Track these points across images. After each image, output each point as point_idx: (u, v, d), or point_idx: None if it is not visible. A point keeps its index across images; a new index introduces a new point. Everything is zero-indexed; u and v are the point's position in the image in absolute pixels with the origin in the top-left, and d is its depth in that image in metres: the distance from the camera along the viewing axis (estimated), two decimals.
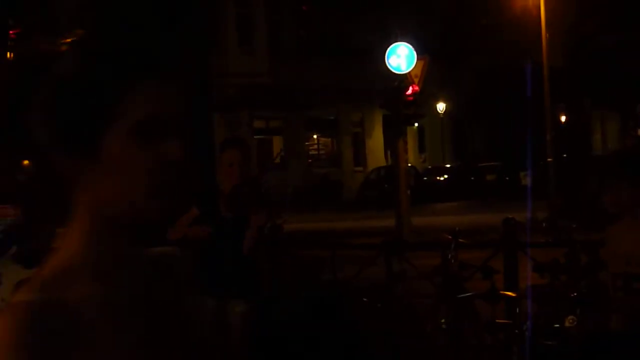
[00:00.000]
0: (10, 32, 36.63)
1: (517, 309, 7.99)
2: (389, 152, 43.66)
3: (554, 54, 35.99)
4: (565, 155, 38.28)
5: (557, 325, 7.07)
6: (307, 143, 50.58)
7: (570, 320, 7.02)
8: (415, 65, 24.57)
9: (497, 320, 8.61)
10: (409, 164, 35.72)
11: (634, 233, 6.52)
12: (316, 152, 51.25)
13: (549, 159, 33.45)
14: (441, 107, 51.85)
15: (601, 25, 39.85)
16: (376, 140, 49.94)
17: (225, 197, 7.85)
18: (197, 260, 7.86)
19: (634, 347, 6.35)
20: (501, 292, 9.10)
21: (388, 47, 24.60)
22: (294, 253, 12.29)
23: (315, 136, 51.24)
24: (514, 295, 8.64)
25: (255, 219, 7.90)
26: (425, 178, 46.45)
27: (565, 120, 44.08)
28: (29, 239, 6.08)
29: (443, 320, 9.16)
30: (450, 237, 10.47)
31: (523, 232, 11.20)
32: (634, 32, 41.79)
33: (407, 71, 24.38)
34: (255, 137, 46.40)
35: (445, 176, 49.18)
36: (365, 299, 10.46)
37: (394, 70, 24.36)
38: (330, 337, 8.85)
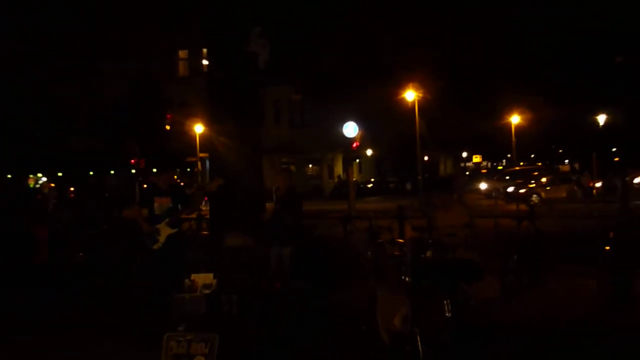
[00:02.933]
0: (168, 116, 36.20)
1: (404, 248, 7.97)
2: (344, 173, 43.48)
3: (422, 129, 35.98)
4: (426, 175, 38.43)
5: (423, 255, 7.09)
6: (306, 169, 50.43)
7: (429, 253, 7.05)
8: (357, 133, 24.51)
9: (395, 253, 8.61)
10: (354, 179, 35.58)
11: (446, 215, 6.62)
12: (311, 174, 51.04)
13: (419, 177, 33.41)
14: (370, 152, 51.78)
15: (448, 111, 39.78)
16: (339, 168, 49.72)
17: (281, 194, 8.03)
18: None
19: (459, 265, 6.38)
20: (397, 239, 9.12)
21: (344, 123, 24.58)
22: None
23: (310, 166, 51.02)
24: (402, 241, 8.64)
25: (296, 205, 8.07)
26: (361, 185, 46.27)
27: (427, 159, 44.35)
28: (175, 214, 6.25)
29: (369, 253, 9.16)
30: (373, 213, 10.52)
31: (406, 211, 11.16)
32: (460, 118, 41.60)
33: (353, 136, 24.31)
34: (281, 165, 46.47)
35: (371, 185, 49.17)
36: (333, 244, 10.46)
37: (347, 135, 24.30)
38: (318, 260, 8.84)
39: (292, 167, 49.19)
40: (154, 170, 27.02)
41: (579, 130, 43.79)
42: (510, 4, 39.66)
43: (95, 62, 37.49)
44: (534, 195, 30.27)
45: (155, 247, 7.40)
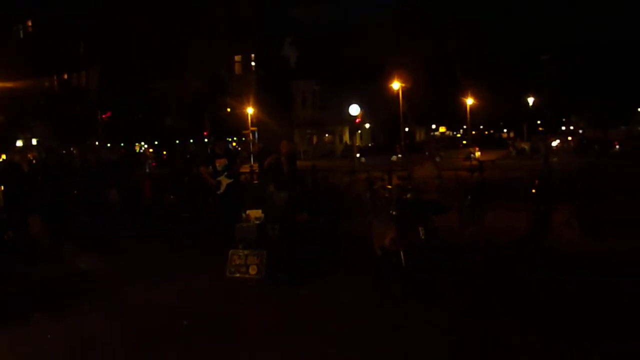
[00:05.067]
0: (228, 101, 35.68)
1: (392, 191, 7.89)
2: (351, 140, 43.14)
3: (404, 108, 35.32)
4: (407, 141, 37.89)
5: (404, 197, 6.98)
6: (324, 137, 49.75)
7: (409, 195, 6.97)
8: (359, 112, 24.16)
9: (385, 195, 8.53)
10: (357, 144, 35.20)
11: (419, 169, 6.48)
12: (327, 140, 50.30)
13: (402, 142, 33.02)
14: (367, 125, 50.90)
15: (423, 94, 38.77)
16: (346, 136, 49.14)
17: (284, 156, 7.83)
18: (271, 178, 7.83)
19: (430, 203, 6.31)
20: (386, 186, 9.01)
21: (350, 105, 24.19)
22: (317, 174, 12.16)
23: (327, 135, 50.34)
24: (390, 187, 8.56)
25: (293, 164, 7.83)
26: (362, 147, 45.65)
27: (407, 130, 43.58)
28: (232, 169, 6.14)
29: (367, 195, 9.00)
30: (370, 167, 10.39)
31: (394, 166, 10.99)
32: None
33: (356, 114, 23.97)
34: (306, 135, 46.06)
35: (369, 146, 48.53)
36: (342, 189, 10.35)
37: (352, 113, 23.96)
38: (331, 200, 8.76)
39: (314, 137, 48.81)
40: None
41: (515, 107, 42.93)
42: (468, 17, 38.43)
43: (180, 64, 37.44)
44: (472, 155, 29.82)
45: (219, 192, 7.51)
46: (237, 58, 43.45)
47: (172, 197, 11.13)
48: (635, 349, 3.58)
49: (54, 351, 4.08)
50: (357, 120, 25.05)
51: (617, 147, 30.48)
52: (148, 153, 34.11)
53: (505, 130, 59.20)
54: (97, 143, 32.26)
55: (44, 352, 4.07)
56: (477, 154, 27.81)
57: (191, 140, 37.24)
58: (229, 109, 38.19)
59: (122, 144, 34.49)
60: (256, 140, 37.66)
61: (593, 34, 33.99)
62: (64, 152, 21.94)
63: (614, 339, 3.82)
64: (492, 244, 6.95)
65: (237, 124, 37.61)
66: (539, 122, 42.72)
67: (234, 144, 40.42)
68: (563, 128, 52.36)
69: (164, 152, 31.80)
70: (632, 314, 4.25)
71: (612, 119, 37.88)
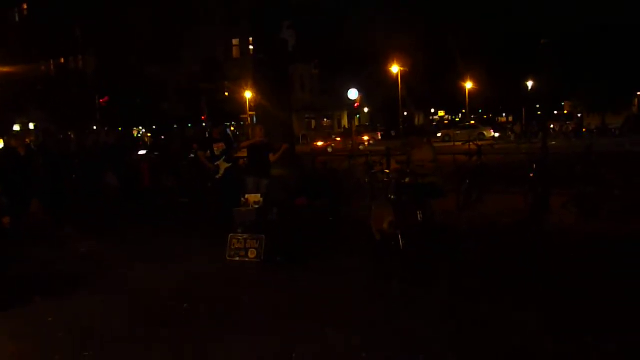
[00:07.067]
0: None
1: (390, 176, 7.86)
2: (349, 124, 42.89)
3: (403, 92, 35.09)
4: (405, 125, 37.70)
5: (403, 181, 6.98)
6: (322, 122, 49.53)
7: (407, 179, 6.94)
8: (357, 96, 23.93)
9: (384, 179, 8.49)
10: (355, 126, 34.97)
11: (416, 152, 6.47)
12: (326, 125, 50.17)
13: (400, 127, 32.82)
14: (366, 109, 50.53)
15: (422, 78, 38.42)
16: (345, 121, 48.96)
17: (257, 143, 7.50)
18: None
19: (428, 187, 6.29)
20: (385, 170, 8.97)
21: (348, 90, 23.97)
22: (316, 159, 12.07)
23: (325, 119, 50.16)
24: (389, 171, 8.52)
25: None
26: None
27: (406, 114, 43.38)
28: (230, 153, 6.13)
29: (366, 180, 9.04)
30: (369, 152, 10.36)
31: (392, 150, 10.92)
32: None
33: (355, 98, 23.76)
34: (305, 120, 45.83)
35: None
36: (341, 174, 10.32)
37: (350, 98, 23.75)
38: (331, 185, 8.73)
39: (313, 122, 48.57)
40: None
41: (514, 92, 42.73)
42: (467, 1, 38.02)
43: (178, 50, 37.08)
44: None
45: (217, 177, 7.51)
46: (235, 42, 43.09)
47: (170, 181, 11.11)
48: (634, 341, 3.55)
49: (55, 334, 4.09)
50: (356, 105, 24.84)
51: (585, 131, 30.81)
52: (146, 138, 34.00)
53: (504, 115, 59.03)
54: (94, 128, 32.10)
55: (45, 336, 4.09)
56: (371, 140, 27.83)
57: (189, 125, 37.10)
58: (227, 93, 37.99)
59: (120, 129, 34.32)
60: (250, 123, 37.51)
61: (594, 18, 33.49)
62: (61, 136, 21.83)
63: (613, 328, 3.79)
64: (490, 227, 6.96)
65: (235, 109, 37.43)
66: (537, 106, 42.62)
67: (232, 128, 40.30)
68: (556, 112, 52.29)
69: (162, 137, 31.67)
70: (631, 303, 4.20)
71: (612, 103, 37.76)
